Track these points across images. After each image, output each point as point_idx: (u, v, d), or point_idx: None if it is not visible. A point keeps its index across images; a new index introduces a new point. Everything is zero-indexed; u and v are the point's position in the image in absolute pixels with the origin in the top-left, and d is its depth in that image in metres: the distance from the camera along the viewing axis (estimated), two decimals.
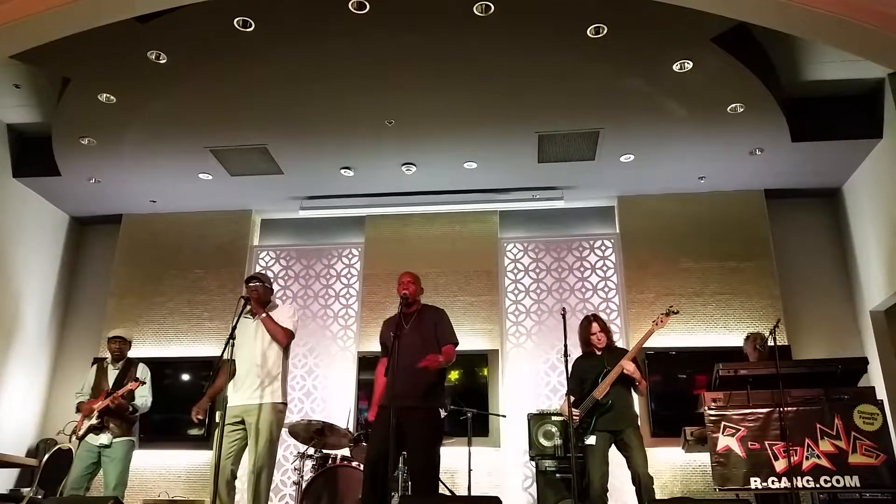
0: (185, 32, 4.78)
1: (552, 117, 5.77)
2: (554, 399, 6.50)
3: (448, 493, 5.42)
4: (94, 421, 4.95)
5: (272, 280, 4.57)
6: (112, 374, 5.21)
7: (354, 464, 4.92)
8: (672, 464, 6.14)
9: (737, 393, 4.55)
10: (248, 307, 4.34)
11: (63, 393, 7.07)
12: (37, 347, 7.07)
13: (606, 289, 6.94)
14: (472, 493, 5.46)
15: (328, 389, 6.84)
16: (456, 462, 5.95)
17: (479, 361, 6.61)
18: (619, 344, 5.87)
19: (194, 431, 6.58)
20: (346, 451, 5.42)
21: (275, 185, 6.92)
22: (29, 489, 5.75)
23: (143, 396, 5.13)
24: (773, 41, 5.23)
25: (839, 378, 4.53)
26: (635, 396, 4.66)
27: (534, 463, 5.89)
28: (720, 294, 6.61)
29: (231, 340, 4.00)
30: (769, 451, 4.35)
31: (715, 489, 4.41)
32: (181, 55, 5.02)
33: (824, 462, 4.29)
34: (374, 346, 6.59)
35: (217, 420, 4.21)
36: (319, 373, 6.92)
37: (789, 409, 4.40)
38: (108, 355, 5.33)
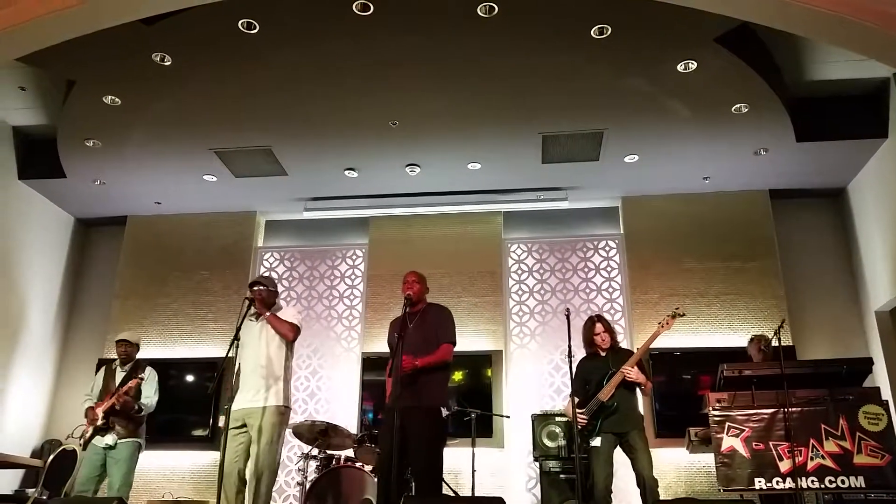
0: (189, 34, 4.80)
1: (556, 118, 5.76)
2: (558, 400, 6.49)
3: (452, 493, 5.42)
4: (99, 422, 4.97)
5: (276, 282, 4.56)
6: (120, 376, 5.22)
7: (358, 465, 4.92)
8: (676, 464, 6.13)
9: (741, 393, 4.53)
10: (253, 309, 4.34)
11: (68, 394, 7.11)
12: (42, 349, 7.10)
13: (611, 289, 6.93)
14: (476, 494, 5.46)
15: (332, 390, 6.85)
16: (460, 462, 5.97)
17: (483, 362, 6.61)
18: (624, 345, 5.88)
19: (199, 432, 6.60)
20: (349, 452, 5.42)
21: (279, 187, 6.93)
22: (34, 490, 5.77)
23: (148, 396, 5.14)
24: (776, 41, 5.22)
25: (844, 378, 4.51)
26: (640, 397, 4.65)
27: (538, 464, 5.89)
28: (725, 294, 6.60)
29: (235, 342, 4.01)
30: (774, 452, 4.34)
31: (719, 490, 4.39)
32: (185, 57, 5.04)
33: (829, 463, 4.27)
34: (379, 347, 6.63)
35: (220, 425, 4.21)
36: (323, 374, 6.93)
37: (794, 409, 4.38)
38: (116, 358, 5.35)
